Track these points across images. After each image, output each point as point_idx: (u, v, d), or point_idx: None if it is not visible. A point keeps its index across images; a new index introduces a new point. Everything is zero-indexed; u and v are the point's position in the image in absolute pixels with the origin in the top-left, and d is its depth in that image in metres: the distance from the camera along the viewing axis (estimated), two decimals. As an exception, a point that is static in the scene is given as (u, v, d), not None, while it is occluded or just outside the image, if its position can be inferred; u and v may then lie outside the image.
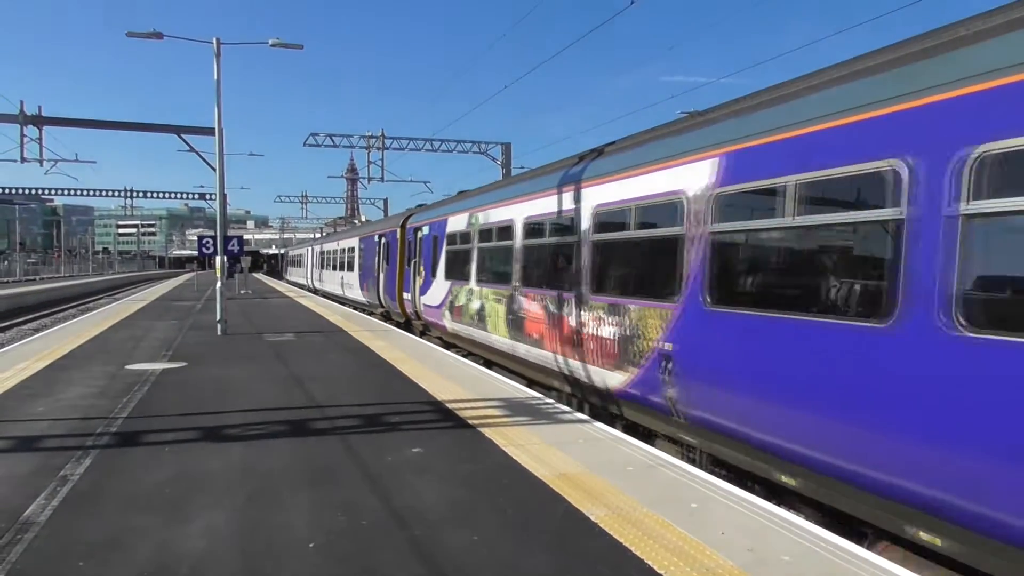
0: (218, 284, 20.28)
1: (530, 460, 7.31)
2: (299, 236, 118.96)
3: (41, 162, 35.06)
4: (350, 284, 35.54)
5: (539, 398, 10.74)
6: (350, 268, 35.74)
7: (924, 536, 5.40)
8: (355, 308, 32.24)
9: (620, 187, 9.95)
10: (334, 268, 41.80)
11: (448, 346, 18.78)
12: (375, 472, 6.90)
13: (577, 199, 11.21)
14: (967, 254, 5.05)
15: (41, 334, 20.32)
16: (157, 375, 12.43)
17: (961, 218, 5.09)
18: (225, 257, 20.80)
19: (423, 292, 21.29)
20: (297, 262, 68.70)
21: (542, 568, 4.81)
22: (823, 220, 6.55)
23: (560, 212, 11.83)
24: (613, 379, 9.80)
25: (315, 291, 49.35)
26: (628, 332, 9.37)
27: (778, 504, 6.47)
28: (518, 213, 13.82)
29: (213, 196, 28.44)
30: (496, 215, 15.20)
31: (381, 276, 27.86)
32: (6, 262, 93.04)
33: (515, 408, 9.86)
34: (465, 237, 17.37)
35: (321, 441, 8.07)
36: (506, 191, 15.22)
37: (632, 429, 9.54)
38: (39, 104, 29.88)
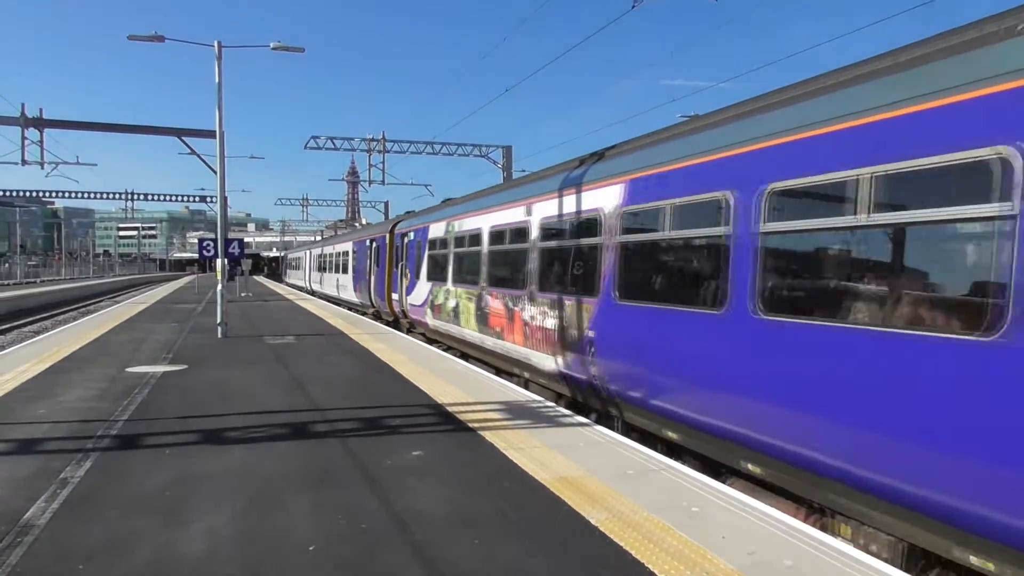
0: (219, 287, 20.29)
1: (530, 463, 7.30)
2: (300, 239, 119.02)
3: (42, 165, 35.11)
4: (344, 286, 37.25)
5: (539, 401, 10.73)
6: (344, 271, 37.57)
7: (751, 467, 7.32)
8: (349, 309, 33.48)
9: (558, 203, 11.94)
10: (330, 271, 43.52)
11: (431, 342, 20.10)
12: (375, 475, 6.90)
13: (528, 212, 13.25)
14: (763, 260, 6.97)
15: (41, 336, 20.33)
16: (158, 378, 12.43)
17: (760, 235, 6.98)
18: (226, 260, 20.81)
19: (408, 292, 23.05)
20: (295, 265, 70.93)
21: (543, 572, 4.81)
22: (686, 234, 8.54)
23: (516, 222, 13.79)
24: (555, 362, 11.74)
25: (312, 292, 50.85)
26: (565, 323, 11.31)
27: (769, 503, 6.47)
28: (485, 222, 15.70)
29: (214, 199, 28.58)
30: (469, 224, 17.05)
31: (372, 278, 29.72)
32: (7, 264, 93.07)
33: (515, 411, 9.86)
34: (444, 243, 19.15)
35: (321, 444, 8.07)
36: (476, 203, 17.24)
37: (580, 407, 11.07)
38: (40, 107, 29.83)
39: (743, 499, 6.30)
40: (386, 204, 65.08)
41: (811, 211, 6.63)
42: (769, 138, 7.05)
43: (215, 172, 20.77)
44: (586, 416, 10.17)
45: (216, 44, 19.74)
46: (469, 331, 16.58)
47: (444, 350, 17.63)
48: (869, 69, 6.35)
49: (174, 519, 5.69)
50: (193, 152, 22.55)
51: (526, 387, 12.83)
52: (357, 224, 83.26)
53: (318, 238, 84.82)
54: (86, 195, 58.84)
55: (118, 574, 4.71)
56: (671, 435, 8.72)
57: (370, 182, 44.42)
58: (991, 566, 4.99)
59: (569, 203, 11.46)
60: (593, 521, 5.71)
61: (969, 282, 5.45)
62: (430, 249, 20.58)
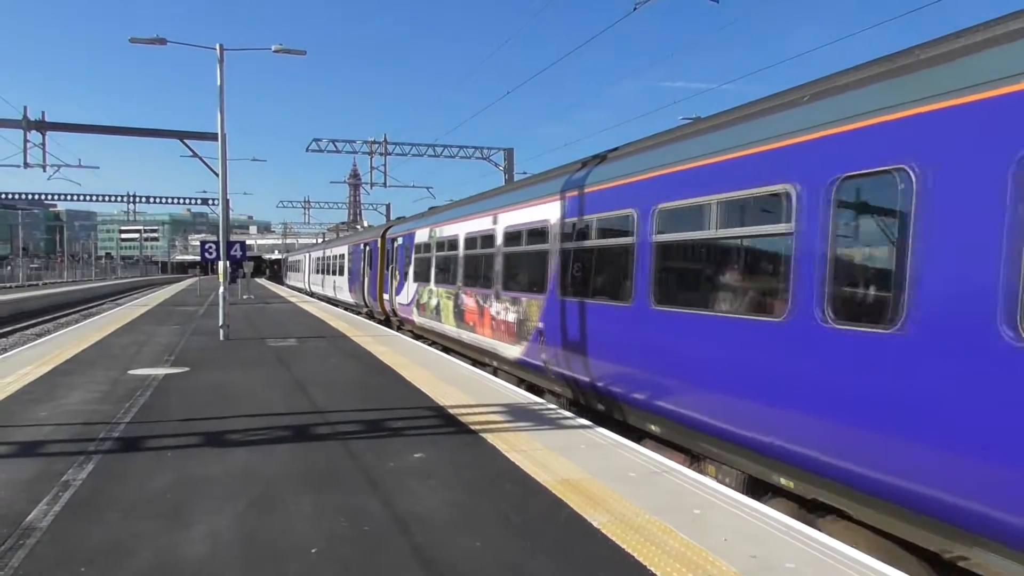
0: (221, 289, 20.30)
1: (532, 466, 7.30)
2: (301, 241, 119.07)
3: (44, 167, 35.09)
4: (340, 287, 39.56)
5: (541, 403, 10.73)
6: (341, 273, 39.78)
7: (653, 428, 9.30)
8: (345, 309, 35.33)
9: (519, 214, 13.90)
10: (327, 273, 45.64)
11: (417, 338, 22.00)
12: (377, 477, 6.90)
13: (495, 221, 15.32)
14: (656, 266, 9.01)
15: (44, 339, 20.34)
16: (160, 380, 12.44)
17: (652, 244, 9.07)
18: (228, 262, 20.82)
19: (397, 293, 25.24)
20: (296, 267, 73.14)
21: (545, 574, 4.80)
22: (606, 243, 10.54)
23: (485, 230, 15.88)
24: (516, 351, 13.74)
25: (311, 294, 52.68)
26: (522, 316, 13.32)
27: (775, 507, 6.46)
28: (461, 229, 17.79)
29: (216, 201, 28.60)
30: (448, 230, 19.07)
31: (365, 280, 31.74)
32: (9, 267, 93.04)
33: (517, 413, 9.86)
34: (427, 247, 21.24)
35: (323, 446, 8.07)
36: (454, 212, 19.36)
37: (536, 391, 13.00)
38: (43, 110, 29.81)
39: (745, 501, 6.29)
40: (388, 207, 65.15)
41: (681, 224, 8.71)
42: (645, 172, 9.60)
43: (217, 175, 20.78)
44: (540, 395, 12.24)
45: (218, 47, 19.75)
46: (448, 326, 18.68)
47: (429, 345, 19.34)
48: (729, 118, 8.38)
49: (176, 521, 5.69)
50: (195, 155, 22.54)
51: (495, 375, 14.59)
52: (359, 227, 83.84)
53: (320, 240, 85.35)
54: (88, 198, 58.90)
55: (120, 576, 4.71)
56: (600, 407, 10.78)
57: (372, 184, 44.44)
58: (791, 484, 6.93)
59: (525, 214, 13.56)
60: (595, 523, 5.70)
61: (771, 280, 7.32)
62: (416, 253, 22.62)
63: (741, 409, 7.36)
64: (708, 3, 15.01)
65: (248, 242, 31.36)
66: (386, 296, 27.44)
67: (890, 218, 5.94)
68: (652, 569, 4.85)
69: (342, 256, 39.58)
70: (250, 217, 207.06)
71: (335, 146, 41.91)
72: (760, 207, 7.40)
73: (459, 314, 17.50)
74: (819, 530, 5.91)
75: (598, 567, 4.91)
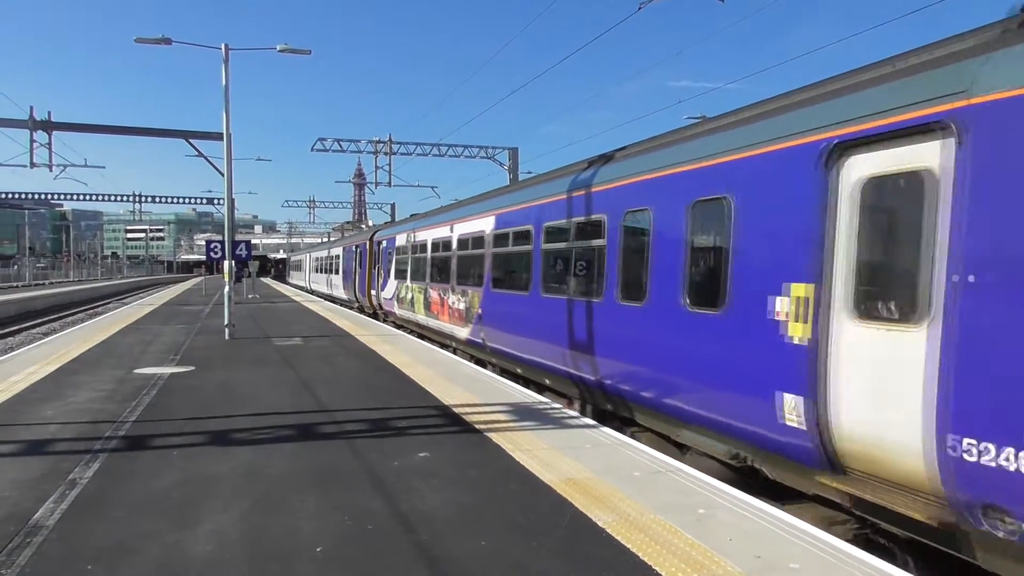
0: (226, 288, 20.35)
1: (536, 465, 7.31)
2: (307, 241, 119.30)
3: (50, 167, 35.24)
4: (336, 285, 43.99)
5: (545, 403, 10.74)
6: (336, 272, 44.05)
7: (547, 382, 12.64)
8: (341, 304, 38.54)
9: (467, 225, 17.70)
10: (324, 272, 50.19)
11: (399, 327, 24.82)
12: (382, 476, 6.91)
13: (451, 230, 19.09)
14: (545, 263, 12.62)
15: (50, 338, 20.41)
16: (165, 379, 12.47)
17: (541, 250, 12.70)
18: (233, 262, 20.87)
19: (382, 288, 29.03)
20: (297, 267, 78.28)
21: (550, 573, 4.81)
22: (514, 249, 14.15)
23: (445, 237, 19.64)
24: (464, 332, 17.50)
25: (312, 292, 56.40)
26: (468, 305, 17.09)
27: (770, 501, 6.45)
28: (429, 236, 21.42)
29: (221, 201, 28.79)
30: (420, 236, 22.64)
31: (356, 278, 35.59)
32: (15, 266, 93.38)
33: (521, 413, 9.87)
34: (405, 250, 24.80)
35: (328, 445, 8.09)
36: (425, 220, 23.06)
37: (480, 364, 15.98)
38: (49, 110, 29.96)
39: (750, 501, 6.29)
40: (392, 206, 65.06)
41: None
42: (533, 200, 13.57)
43: (222, 174, 20.84)
44: (483, 366, 15.17)
45: (223, 47, 19.78)
46: (420, 316, 22.32)
47: (409, 332, 22.86)
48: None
49: (182, 520, 5.72)
50: (200, 154, 22.60)
51: (455, 353, 17.82)
52: (363, 226, 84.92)
53: (324, 240, 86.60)
54: (94, 197, 58.94)
55: (126, 575, 4.74)
56: (519, 371, 14.33)
57: (376, 184, 44.55)
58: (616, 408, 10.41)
59: (471, 225, 17.40)
60: (600, 523, 5.71)
61: (596, 276, 10.76)
62: (396, 255, 26.24)
63: (569, 357, 11.56)
64: (714, 2, 14.98)
65: (253, 242, 31.79)
66: (373, 292, 31.29)
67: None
68: (657, 569, 4.86)
69: (337, 257, 43.73)
70: (255, 216, 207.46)
71: (340, 145, 42.02)
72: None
73: (427, 305, 21.26)
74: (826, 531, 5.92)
75: (603, 566, 4.91)
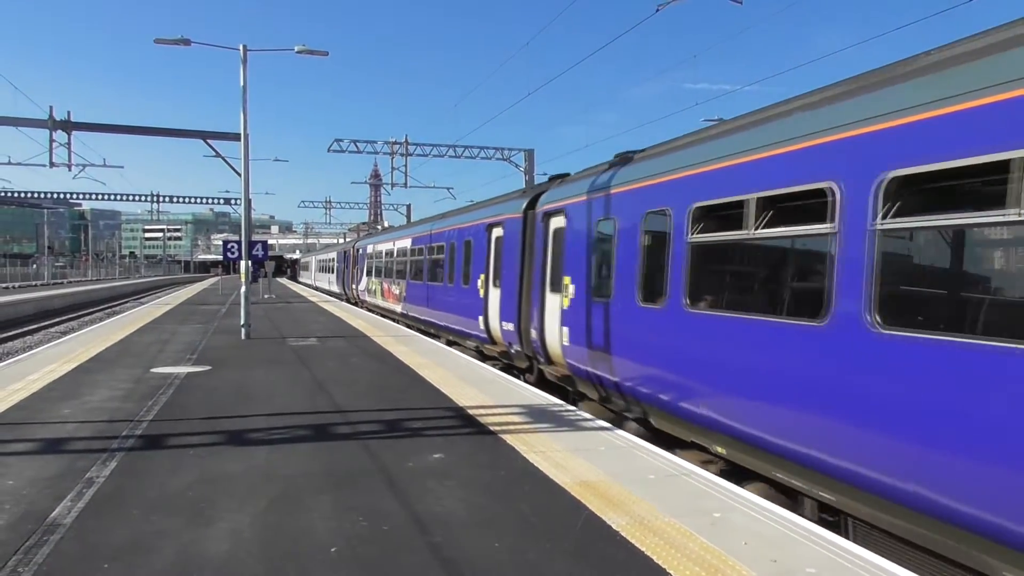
0: (242, 288, 20.45)
1: (551, 467, 7.30)
2: (323, 241, 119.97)
3: (70, 167, 35.44)
4: (332, 281, 55.94)
5: (560, 405, 10.72)
6: (332, 272, 56.56)
7: (469, 344, 19.09)
8: (335, 297, 49.03)
9: (400, 242, 28.20)
10: (324, 271, 63.90)
11: (370, 311, 33.90)
12: (396, 477, 6.92)
13: (393, 244, 29.88)
14: (430, 265, 23.98)
15: (68, 337, 20.58)
16: (182, 379, 12.55)
17: (451, 260, 20.62)
18: (249, 262, 20.97)
19: (358, 284, 40.43)
20: (306, 267, 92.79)
21: (563, 576, 4.80)
22: (422, 257, 24.32)
23: (390, 248, 30.41)
24: (398, 308, 28.05)
25: (316, 288, 66.67)
26: (400, 291, 27.61)
27: (797, 513, 6.41)
28: (383, 247, 32.77)
29: (238, 201, 29.06)
30: (379, 247, 34.06)
31: (344, 276, 47.32)
32: (35, 265, 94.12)
33: (536, 415, 9.86)
34: (371, 256, 36.28)
35: (343, 446, 8.11)
36: (381, 236, 35.94)
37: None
38: (68, 110, 30.07)
39: (765, 505, 6.25)
40: (408, 207, 65.25)
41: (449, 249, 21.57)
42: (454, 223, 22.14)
43: (239, 175, 20.95)
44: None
45: (241, 48, 19.90)
46: (379, 300, 33.46)
47: (380, 315, 30.64)
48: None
49: (198, 519, 5.74)
50: (218, 155, 22.71)
51: (396, 322, 26.77)
52: (379, 227, 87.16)
53: (340, 241, 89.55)
54: (113, 197, 60.15)
55: (143, 573, 4.76)
56: (445, 337, 20.67)
57: (392, 185, 44.65)
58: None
59: (400, 242, 28.28)
60: (614, 525, 5.69)
61: (445, 273, 21.27)
62: (367, 259, 37.67)
63: (437, 316, 21.20)
64: (731, 4, 14.95)
65: (270, 242, 32.30)
66: (354, 286, 42.52)
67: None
68: (671, 572, 4.83)
69: (332, 260, 57.53)
70: (272, 217, 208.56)
71: (356, 146, 42.17)
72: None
73: (382, 292, 32.62)
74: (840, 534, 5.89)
75: (617, 569, 4.89)
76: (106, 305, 51.02)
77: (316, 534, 5.46)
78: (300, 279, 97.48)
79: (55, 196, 59.27)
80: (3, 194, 59.88)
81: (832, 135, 6.44)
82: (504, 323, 15.72)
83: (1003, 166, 4.82)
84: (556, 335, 12.75)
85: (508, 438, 8.47)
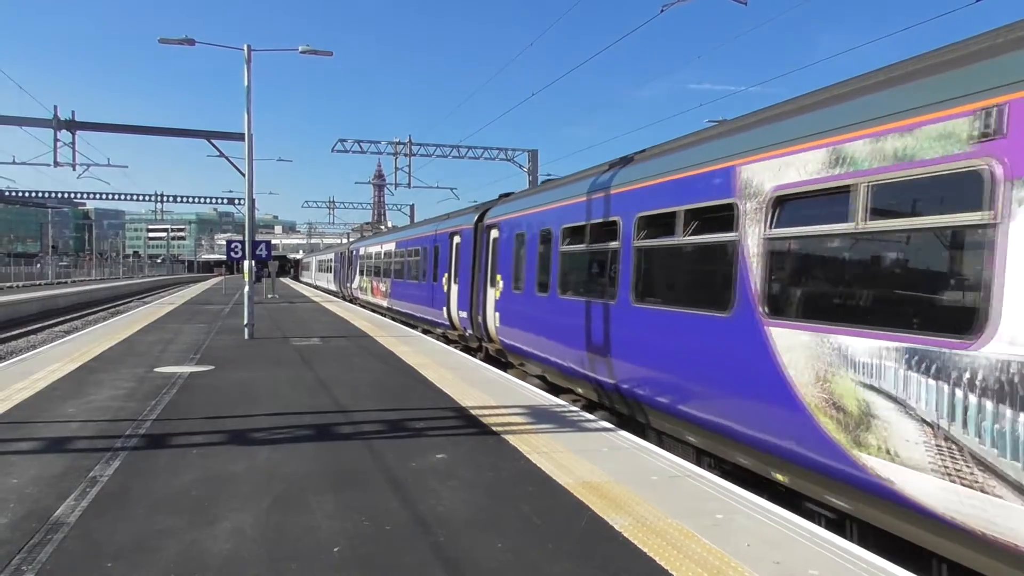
0: (246, 288, 20.47)
1: (554, 468, 7.30)
2: (326, 241, 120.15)
3: (74, 166, 35.62)
4: (329, 280, 60.55)
5: (563, 405, 10.72)
6: (330, 271, 61.39)
7: (418, 324, 26.18)
8: (332, 294, 52.85)
9: (386, 245, 33.45)
10: (322, 271, 69.18)
11: (361, 307, 37.38)
12: (399, 477, 6.92)
13: (380, 247, 34.79)
14: (397, 268, 31.09)
15: (72, 336, 20.62)
16: (185, 378, 12.57)
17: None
18: (253, 262, 21.00)
19: (352, 282, 44.54)
20: (307, 267, 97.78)
21: (565, 577, 4.80)
22: (406, 259, 28.43)
23: (378, 251, 35.15)
24: (384, 302, 32.81)
25: (316, 287, 71.27)
26: (386, 288, 32.65)
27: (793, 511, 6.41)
28: (372, 249, 36.91)
29: (242, 201, 29.48)
30: (369, 249, 38.24)
31: (341, 275, 51.63)
32: (39, 265, 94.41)
33: (539, 415, 9.86)
34: (363, 257, 40.43)
35: (346, 445, 8.11)
36: (373, 239, 39.47)
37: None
38: (72, 109, 30.17)
39: (767, 507, 6.25)
40: (411, 207, 65.43)
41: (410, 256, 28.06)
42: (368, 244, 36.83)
43: (243, 174, 20.96)
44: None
45: (246, 48, 19.93)
46: (369, 297, 37.82)
47: (371, 312, 33.22)
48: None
49: (201, 518, 5.75)
50: (222, 155, 22.74)
51: (383, 315, 30.40)
52: (383, 227, 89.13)
53: (342, 241, 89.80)
54: (117, 197, 60.08)
55: (146, 572, 4.77)
56: (413, 323, 26.23)
57: (396, 185, 44.66)
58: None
59: (387, 246, 32.99)
60: (617, 526, 5.69)
61: (419, 272, 26.28)
62: (360, 260, 41.59)
63: (414, 307, 26.58)
64: (736, 5, 14.93)
65: (273, 242, 32.51)
66: (349, 284, 46.54)
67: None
68: (674, 574, 4.83)
69: (331, 260, 62.10)
70: (275, 217, 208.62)
71: (360, 146, 42.18)
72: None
73: (371, 290, 36.99)
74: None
75: (619, 570, 4.89)
76: (110, 305, 51.10)
77: (319, 534, 5.47)
78: (302, 278, 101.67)
79: (59, 196, 59.33)
80: (8, 193, 59.93)
81: (620, 188, 10.71)
82: (460, 312, 19.97)
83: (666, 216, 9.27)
84: (493, 320, 16.83)
85: (511, 439, 8.48)
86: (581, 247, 11.91)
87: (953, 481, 5.10)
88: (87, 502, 6.10)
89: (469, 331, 19.15)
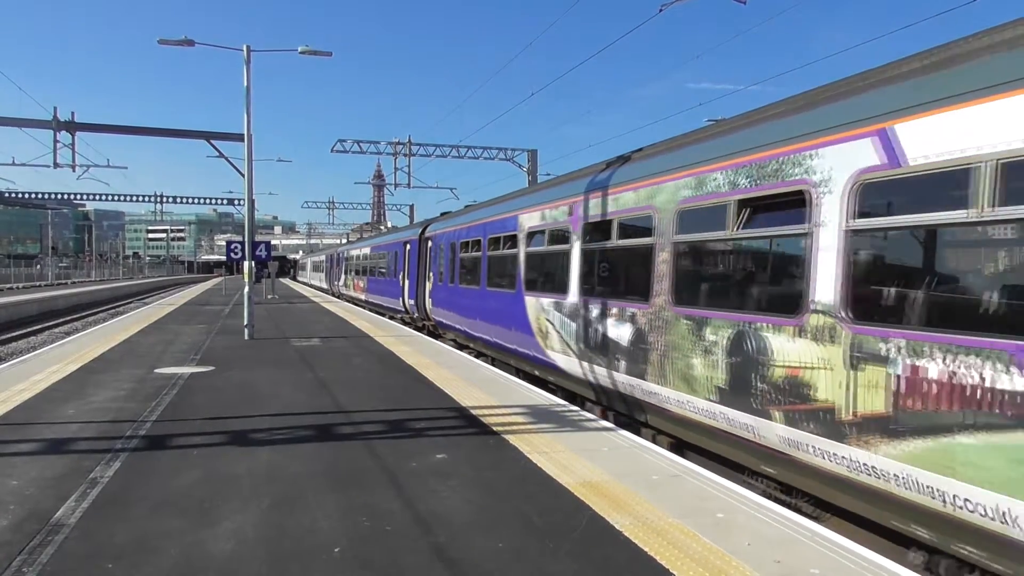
0: (246, 289, 20.47)
1: (554, 467, 7.30)
2: (326, 241, 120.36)
3: (73, 167, 35.61)
4: (322, 279, 67.17)
5: (563, 405, 10.72)
6: (322, 271, 67.99)
7: (382, 312, 33.74)
8: (323, 292, 58.99)
9: (364, 248, 42.57)
10: (316, 271, 76.20)
11: (348, 301, 43.68)
12: (400, 477, 6.92)
13: (359, 250, 44.20)
14: (362, 269, 43.12)
15: (72, 337, 20.62)
16: (185, 379, 12.57)
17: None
18: (253, 262, 20.99)
19: (340, 280, 51.85)
20: (303, 267, 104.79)
21: (566, 576, 4.80)
22: (374, 262, 37.90)
23: (359, 252, 43.76)
24: (363, 296, 40.33)
25: (311, 285, 77.50)
26: (364, 284, 40.38)
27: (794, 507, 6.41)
28: (356, 252, 45.36)
29: (241, 201, 29.45)
30: (353, 251, 47.02)
31: (331, 275, 58.58)
32: (38, 266, 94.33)
33: (539, 415, 9.86)
34: (349, 259, 47.83)
35: (346, 446, 8.11)
36: (356, 244, 50.24)
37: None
38: (72, 110, 30.18)
39: (768, 505, 6.25)
40: (411, 207, 65.48)
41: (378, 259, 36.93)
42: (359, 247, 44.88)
43: (243, 175, 20.96)
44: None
45: (245, 48, 19.93)
46: (351, 292, 44.28)
47: (360, 307, 36.84)
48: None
49: (202, 519, 5.75)
50: (221, 155, 22.74)
51: (362, 307, 36.33)
52: (383, 227, 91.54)
53: (341, 241, 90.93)
54: (116, 198, 59.73)
55: (147, 573, 4.77)
56: (381, 312, 32.92)
57: (396, 185, 44.66)
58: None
59: (364, 249, 42.01)
60: (617, 526, 5.69)
61: (388, 272, 33.39)
62: (345, 261, 49.44)
63: (381, 298, 34.57)
64: (735, 5, 14.94)
65: (273, 242, 32.21)
66: (336, 282, 53.91)
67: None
68: (674, 573, 4.83)
69: (323, 261, 68.76)
70: (275, 217, 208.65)
71: (360, 147, 42.17)
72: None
73: (353, 286, 43.80)
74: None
75: (620, 570, 4.90)
76: (110, 305, 51.09)
77: (319, 534, 5.47)
78: (299, 279, 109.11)
79: (59, 197, 59.34)
80: (7, 195, 59.97)
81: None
82: (410, 300, 27.20)
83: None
84: (429, 303, 24.07)
85: (511, 438, 8.48)
86: (472, 254, 18.35)
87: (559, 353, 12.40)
88: (88, 503, 6.10)
89: (416, 314, 26.47)
